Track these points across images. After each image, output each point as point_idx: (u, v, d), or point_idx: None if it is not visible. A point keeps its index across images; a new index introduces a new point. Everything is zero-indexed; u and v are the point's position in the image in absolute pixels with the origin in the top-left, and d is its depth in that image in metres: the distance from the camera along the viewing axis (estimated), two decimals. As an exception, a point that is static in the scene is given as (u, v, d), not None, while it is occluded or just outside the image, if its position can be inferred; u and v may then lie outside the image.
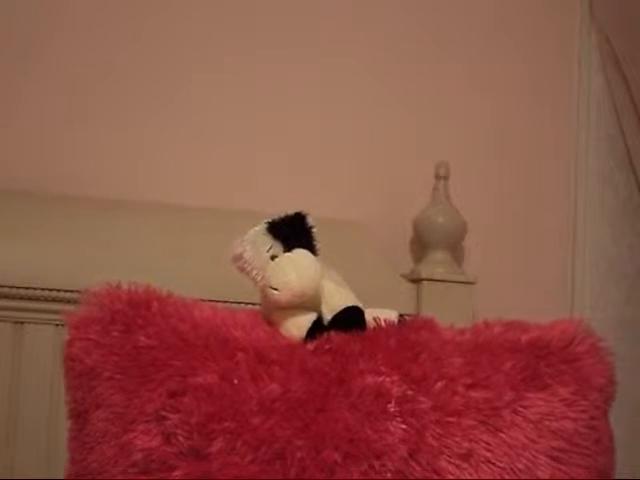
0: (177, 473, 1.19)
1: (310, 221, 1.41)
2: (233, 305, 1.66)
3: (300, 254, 1.35)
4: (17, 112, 1.90)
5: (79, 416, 1.29)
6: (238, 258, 1.40)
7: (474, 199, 2.10)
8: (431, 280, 1.95)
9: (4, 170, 1.86)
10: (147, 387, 1.24)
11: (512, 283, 2.13)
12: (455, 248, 2.04)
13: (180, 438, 1.20)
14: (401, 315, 1.39)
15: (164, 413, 1.22)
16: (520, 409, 1.27)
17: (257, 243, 1.38)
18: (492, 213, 2.14)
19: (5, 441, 1.71)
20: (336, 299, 1.37)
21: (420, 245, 2.04)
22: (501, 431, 1.25)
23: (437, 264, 1.98)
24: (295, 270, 1.33)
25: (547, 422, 1.27)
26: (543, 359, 1.31)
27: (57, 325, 1.73)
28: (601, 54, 2.22)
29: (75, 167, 1.91)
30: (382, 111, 2.09)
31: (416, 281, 1.95)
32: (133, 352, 1.27)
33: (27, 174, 1.87)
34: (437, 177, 2.01)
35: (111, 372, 1.27)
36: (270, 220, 1.40)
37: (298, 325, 1.34)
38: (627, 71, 2.17)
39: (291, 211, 1.43)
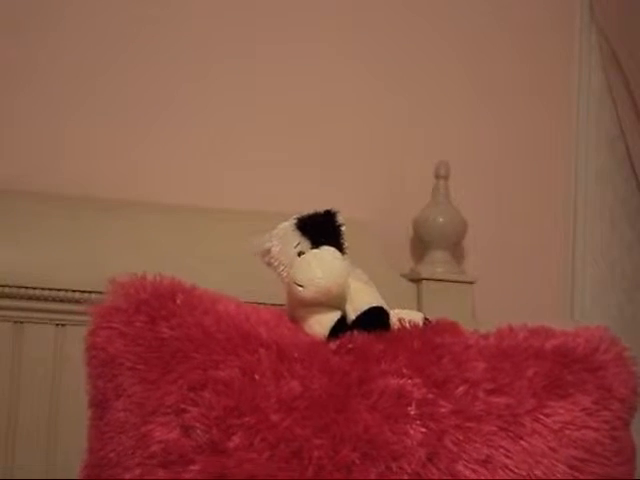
0: (195, 467, 1.19)
1: (340, 219, 1.40)
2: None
3: (327, 251, 1.34)
4: (17, 112, 1.90)
5: (99, 405, 1.29)
6: (266, 253, 1.39)
7: (474, 199, 2.10)
8: (431, 280, 1.95)
9: (4, 170, 1.86)
10: (168, 379, 1.24)
11: (512, 283, 2.13)
12: (455, 248, 2.04)
13: (199, 432, 1.20)
14: (426, 318, 1.38)
15: (184, 406, 1.22)
16: (541, 417, 1.25)
17: (285, 239, 1.38)
18: (492, 213, 2.14)
19: (5, 441, 1.71)
20: (361, 298, 1.36)
21: (420, 245, 2.04)
22: (521, 438, 1.24)
23: (437, 264, 1.98)
24: (321, 267, 1.32)
25: (568, 431, 1.26)
26: (566, 367, 1.30)
27: (57, 325, 1.73)
28: (601, 54, 2.22)
29: (75, 167, 1.91)
30: (382, 111, 2.09)
31: (416, 281, 1.96)
32: (156, 343, 1.27)
33: (27, 174, 1.87)
34: (437, 177, 2.01)
35: (133, 362, 1.26)
36: (299, 216, 1.39)
37: (322, 323, 1.33)
38: (627, 71, 2.17)
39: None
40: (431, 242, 2.00)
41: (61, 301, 1.74)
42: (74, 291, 1.73)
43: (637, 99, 2.17)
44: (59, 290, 1.74)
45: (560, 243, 2.19)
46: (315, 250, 1.35)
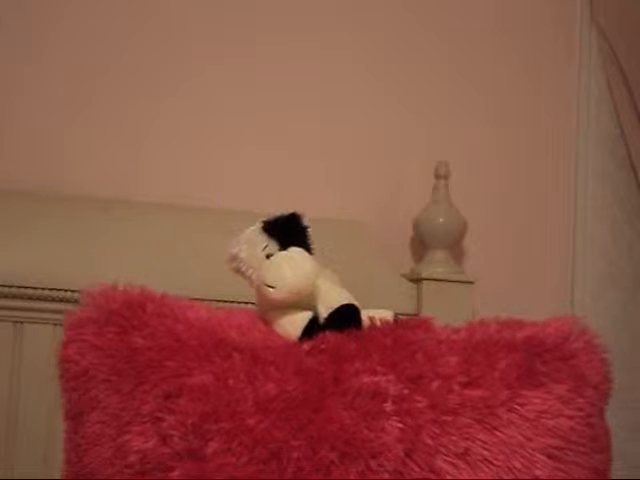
0: (173, 474, 1.19)
1: (305, 221, 1.40)
2: (233, 305, 1.66)
3: (296, 252, 1.35)
4: (17, 112, 1.90)
5: (74, 418, 1.29)
6: (233, 259, 1.39)
7: (474, 199, 2.10)
8: (431, 280, 1.95)
9: (4, 170, 1.86)
10: (142, 388, 1.24)
11: (512, 283, 2.13)
12: (455, 248, 2.04)
13: (176, 439, 1.20)
14: (397, 314, 1.39)
15: (160, 414, 1.22)
16: (516, 407, 1.26)
17: (253, 242, 1.38)
18: (492, 213, 2.14)
19: (5, 441, 1.71)
20: (332, 297, 1.36)
21: (420, 245, 2.04)
22: (497, 429, 1.24)
23: (437, 263, 1.98)
24: (291, 268, 1.33)
25: (543, 420, 1.26)
26: (538, 357, 1.30)
27: (57, 325, 1.73)
28: (601, 54, 2.22)
29: (75, 167, 1.91)
30: (382, 111, 2.09)
31: (416, 280, 1.96)
32: (128, 353, 1.27)
33: (27, 174, 1.88)
34: (437, 177, 2.01)
35: (106, 374, 1.27)
36: (265, 219, 1.40)
37: (294, 323, 1.34)
38: (627, 71, 2.17)
39: (291, 211, 1.43)
40: (431, 242, 2.00)
41: (61, 301, 1.74)
42: (74, 291, 1.73)
43: (637, 99, 2.16)
44: (59, 290, 1.74)
45: (560, 243, 2.19)
46: (284, 252, 1.36)
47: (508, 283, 2.13)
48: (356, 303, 1.37)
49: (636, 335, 2.17)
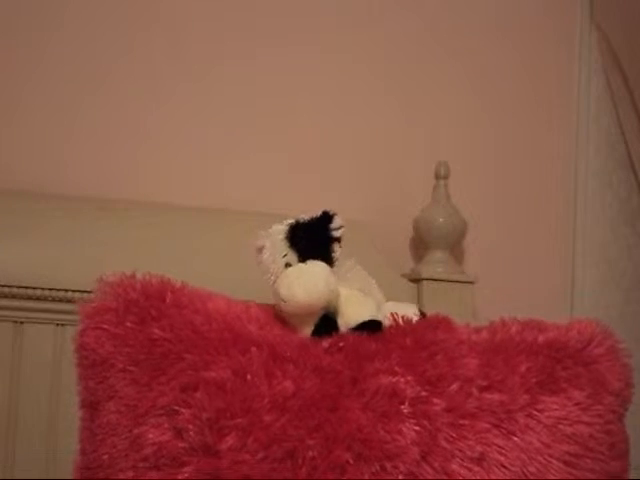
0: (187, 469, 1.18)
1: (336, 223, 1.38)
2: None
3: (312, 267, 1.34)
4: (17, 112, 1.90)
5: (90, 406, 1.28)
6: (258, 252, 1.39)
7: (474, 199, 2.10)
8: (431, 280, 1.95)
9: (4, 170, 1.86)
10: (160, 380, 1.24)
11: (512, 283, 2.13)
12: (455, 248, 2.04)
13: (191, 433, 1.19)
14: (421, 311, 1.38)
15: (176, 407, 1.21)
16: (535, 413, 1.26)
17: (274, 248, 1.37)
18: (492, 213, 2.14)
19: (5, 440, 1.70)
20: (352, 311, 1.35)
21: (420, 245, 2.04)
22: (515, 435, 1.24)
23: (437, 263, 1.98)
24: (302, 284, 1.31)
25: (561, 426, 1.26)
26: (559, 361, 1.30)
27: (57, 325, 1.73)
28: (601, 54, 2.22)
29: (75, 167, 1.91)
30: (382, 111, 2.09)
31: (416, 281, 1.95)
32: (147, 344, 1.26)
33: (27, 174, 1.87)
34: (437, 177, 2.01)
35: (124, 363, 1.26)
36: (292, 223, 1.38)
37: (309, 323, 1.33)
38: (627, 71, 2.17)
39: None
40: (431, 242, 2.00)
41: (61, 301, 1.74)
42: (74, 291, 1.73)
43: (637, 99, 2.17)
44: (59, 290, 1.74)
45: (560, 243, 2.19)
46: (301, 265, 1.34)
47: (508, 283, 2.13)
48: (378, 317, 1.35)
49: (636, 336, 2.17)
